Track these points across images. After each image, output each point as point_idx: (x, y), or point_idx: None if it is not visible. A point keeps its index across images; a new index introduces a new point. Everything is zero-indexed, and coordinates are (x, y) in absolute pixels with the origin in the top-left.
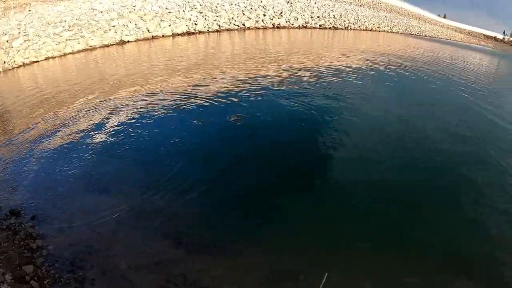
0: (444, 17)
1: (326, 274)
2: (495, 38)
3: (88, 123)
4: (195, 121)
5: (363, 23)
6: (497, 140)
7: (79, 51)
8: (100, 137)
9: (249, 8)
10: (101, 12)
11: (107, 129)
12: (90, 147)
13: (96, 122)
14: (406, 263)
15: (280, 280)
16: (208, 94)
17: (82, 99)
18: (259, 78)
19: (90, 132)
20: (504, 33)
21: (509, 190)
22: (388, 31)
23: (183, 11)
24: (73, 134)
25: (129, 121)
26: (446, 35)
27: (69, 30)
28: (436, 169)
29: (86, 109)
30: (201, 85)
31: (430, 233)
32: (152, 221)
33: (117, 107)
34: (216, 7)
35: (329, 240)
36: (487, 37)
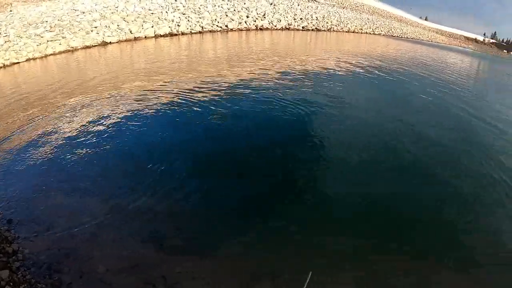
0: (426, 19)
1: (310, 272)
2: (476, 40)
3: (67, 125)
4: (177, 122)
5: (345, 25)
6: (479, 142)
7: (60, 53)
8: (78, 139)
9: (232, 10)
10: (83, 13)
11: (86, 131)
12: (68, 149)
13: (75, 124)
14: (396, 263)
15: (264, 281)
16: (189, 95)
17: (61, 101)
18: (241, 80)
19: (69, 134)
20: (484, 35)
21: (493, 189)
22: (370, 33)
23: (166, 12)
24: (50, 136)
25: (109, 124)
26: (428, 37)
27: (51, 31)
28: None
29: (65, 111)
30: (181, 87)
31: (425, 234)
32: (133, 224)
33: (97, 110)
34: (199, 8)
35: (315, 240)
36: (468, 39)
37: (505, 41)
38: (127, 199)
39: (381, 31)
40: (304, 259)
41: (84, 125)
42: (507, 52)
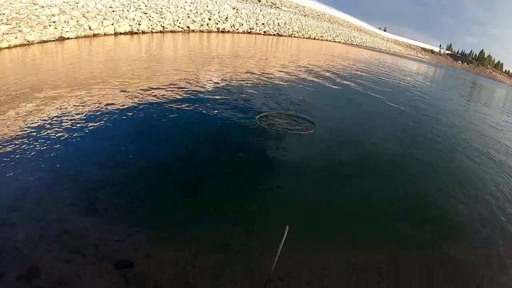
0: (385, 30)
1: (287, 227)
2: (432, 51)
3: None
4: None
5: (306, 31)
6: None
7: (15, 46)
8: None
9: (194, 12)
10: (42, 7)
11: (40, 123)
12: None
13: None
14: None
15: (217, 251)
16: (139, 97)
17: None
18: (195, 83)
19: (18, 127)
20: (440, 46)
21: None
22: (331, 40)
23: (128, 10)
24: None
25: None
26: (386, 47)
27: (7, 24)
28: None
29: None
30: (130, 89)
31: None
32: (66, 187)
33: (49, 108)
34: (162, 8)
35: (290, 195)
36: (425, 50)
37: (459, 52)
38: (57, 164)
39: (341, 39)
40: (279, 216)
41: (36, 121)
42: (461, 63)
